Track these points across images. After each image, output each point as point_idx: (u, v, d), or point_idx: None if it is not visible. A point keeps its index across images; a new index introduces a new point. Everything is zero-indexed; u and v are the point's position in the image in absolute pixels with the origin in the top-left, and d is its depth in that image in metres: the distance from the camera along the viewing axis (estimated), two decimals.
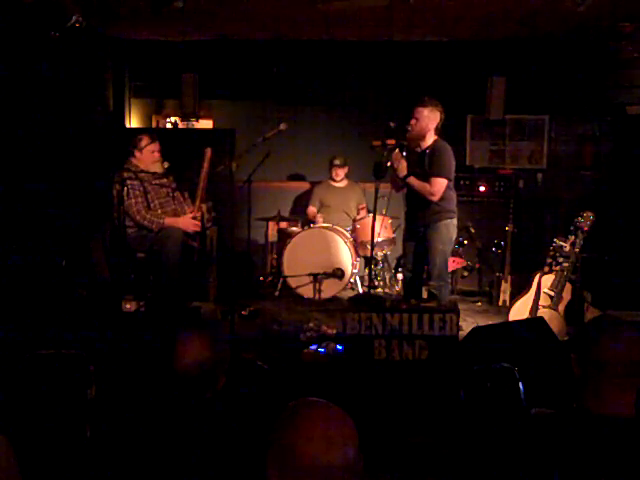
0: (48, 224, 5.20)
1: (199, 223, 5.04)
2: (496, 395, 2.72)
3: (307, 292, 5.97)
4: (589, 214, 4.80)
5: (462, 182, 6.42)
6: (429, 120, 4.55)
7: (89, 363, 2.90)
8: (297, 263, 5.99)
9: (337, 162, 6.52)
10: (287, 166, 7.18)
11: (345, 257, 5.98)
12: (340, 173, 6.56)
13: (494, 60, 6.66)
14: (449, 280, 5.08)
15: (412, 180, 4.56)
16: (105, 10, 5.51)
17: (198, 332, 2.14)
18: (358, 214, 6.61)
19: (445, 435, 3.11)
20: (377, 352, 3.86)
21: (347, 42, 6.77)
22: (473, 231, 6.29)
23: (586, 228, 4.78)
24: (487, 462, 2.55)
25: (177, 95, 6.80)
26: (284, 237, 6.34)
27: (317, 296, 5.91)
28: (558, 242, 4.88)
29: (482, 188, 6.53)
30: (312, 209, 6.62)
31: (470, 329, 3.97)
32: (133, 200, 4.85)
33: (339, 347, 4.25)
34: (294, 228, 6.37)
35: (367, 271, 5.90)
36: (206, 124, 7.26)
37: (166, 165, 5.05)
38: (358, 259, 6.22)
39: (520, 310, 4.88)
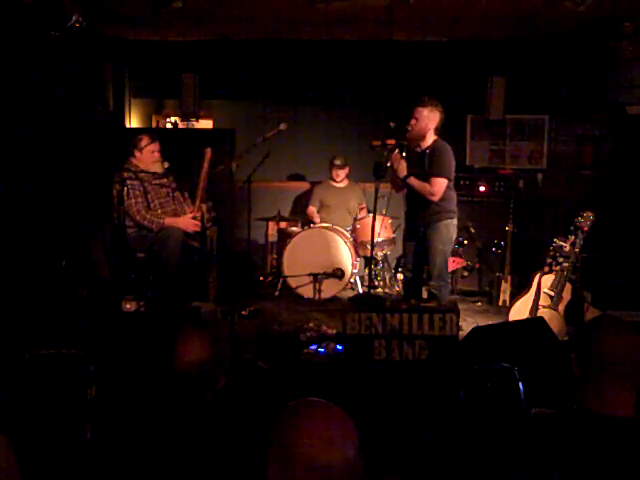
0: (48, 224, 5.20)
1: (199, 223, 5.04)
2: (496, 395, 2.72)
3: (307, 292, 5.97)
4: (589, 214, 4.80)
5: (462, 182, 6.42)
6: (429, 120, 4.55)
7: (89, 363, 2.90)
8: (297, 263, 5.99)
9: (337, 162, 6.52)
10: (287, 166, 7.18)
11: (345, 257, 5.98)
12: (340, 174, 6.56)
13: (494, 60, 6.66)
14: (449, 280, 5.08)
15: (412, 180, 4.56)
16: (105, 10, 5.51)
17: (198, 332, 2.14)
18: (358, 214, 6.61)
19: (445, 435, 3.11)
20: (377, 352, 3.86)
21: (347, 42, 6.77)
22: (473, 231, 6.29)
23: (586, 228, 4.78)
24: (487, 462, 2.55)
25: (177, 95, 6.80)
26: (284, 237, 6.35)
27: (317, 296, 5.91)
28: (558, 242, 4.88)
29: (482, 188, 6.53)
30: (312, 209, 6.62)
31: (470, 329, 3.97)
32: (133, 200, 4.85)
33: (339, 347, 4.26)
34: (294, 228, 6.37)
35: (367, 271, 5.90)
36: (206, 124, 7.26)
37: (166, 165, 5.05)
38: (358, 259, 6.22)
39: (520, 310, 4.88)
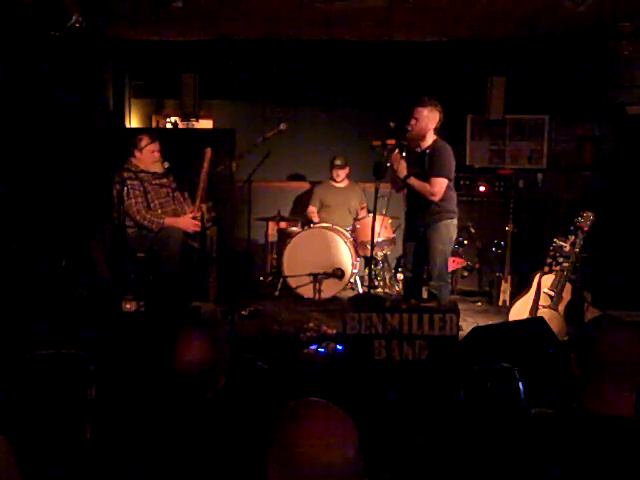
0: (48, 224, 5.20)
1: (199, 223, 5.04)
2: (496, 395, 2.72)
3: (307, 292, 5.97)
4: (589, 214, 4.80)
5: (462, 182, 6.42)
6: (429, 120, 4.55)
7: (89, 363, 2.91)
8: (297, 263, 5.99)
9: (338, 163, 6.53)
10: (287, 166, 7.18)
11: (345, 257, 5.98)
12: (341, 174, 6.56)
13: (494, 60, 6.66)
14: (449, 280, 5.08)
15: (412, 181, 4.56)
16: (105, 10, 5.51)
17: (198, 332, 2.14)
18: (358, 214, 6.62)
19: (445, 435, 3.11)
20: (377, 352, 3.86)
21: (347, 42, 6.77)
22: (473, 231, 6.29)
23: (586, 228, 4.78)
24: (487, 462, 2.55)
25: (177, 95, 6.80)
26: (284, 237, 6.35)
27: (317, 296, 5.91)
28: (558, 242, 4.87)
29: (482, 188, 6.53)
30: (312, 209, 6.62)
31: (470, 329, 3.97)
32: (133, 200, 4.85)
33: (339, 347, 4.26)
34: (294, 228, 6.38)
35: (367, 271, 5.90)
36: (206, 124, 7.26)
37: (166, 165, 5.05)
38: (358, 259, 6.22)
39: (520, 310, 4.88)
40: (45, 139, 5.36)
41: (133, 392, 3.14)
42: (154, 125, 7.38)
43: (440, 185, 4.49)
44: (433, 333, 3.85)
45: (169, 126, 7.26)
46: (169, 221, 4.92)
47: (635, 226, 6.03)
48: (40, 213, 5.15)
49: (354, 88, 7.02)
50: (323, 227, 6.19)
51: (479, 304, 6.15)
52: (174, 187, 5.13)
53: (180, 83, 6.70)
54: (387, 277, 6.29)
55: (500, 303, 5.99)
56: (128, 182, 4.76)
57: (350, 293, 6.14)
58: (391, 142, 4.52)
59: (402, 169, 4.57)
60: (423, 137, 4.59)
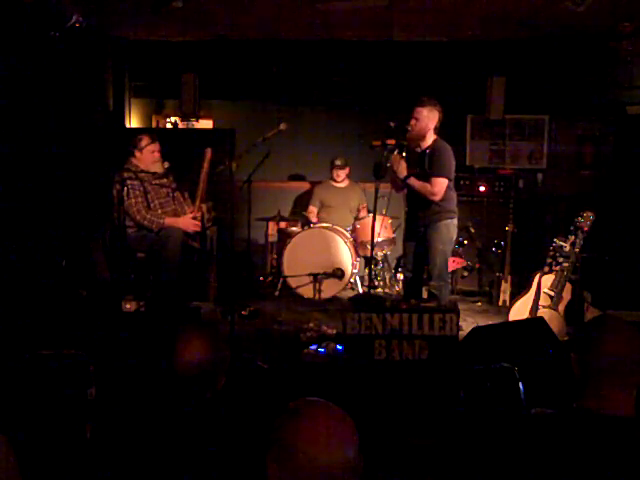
0: (48, 224, 5.20)
1: (199, 223, 5.04)
2: (496, 395, 2.72)
3: (307, 292, 5.97)
4: (589, 214, 4.80)
5: (462, 182, 6.42)
6: (429, 120, 4.55)
7: (89, 363, 2.91)
8: (297, 263, 5.99)
9: (338, 163, 6.53)
10: (287, 166, 7.17)
11: (345, 257, 5.98)
12: (341, 174, 6.56)
13: (494, 60, 6.66)
14: (449, 280, 5.08)
15: (412, 181, 4.56)
16: (105, 10, 5.51)
17: (198, 332, 2.14)
18: (359, 214, 6.62)
19: (445, 435, 3.11)
20: (377, 352, 3.86)
21: (347, 42, 6.77)
22: (473, 231, 6.29)
23: (586, 228, 4.77)
24: (487, 462, 2.55)
25: (177, 95, 6.80)
26: (284, 237, 6.35)
27: (317, 296, 5.91)
28: (558, 242, 4.87)
29: (482, 188, 6.53)
30: (312, 208, 6.63)
31: (470, 329, 3.97)
32: (133, 200, 4.85)
33: (339, 347, 4.25)
34: (294, 228, 6.37)
35: (367, 271, 5.90)
36: (206, 124, 7.25)
37: (166, 165, 5.05)
38: (358, 259, 6.22)
39: (520, 310, 4.87)
40: (45, 139, 5.36)
41: (133, 392, 3.14)
42: (154, 125, 7.38)
43: (440, 185, 4.49)
44: (433, 333, 3.86)
45: (169, 126, 7.25)
46: (169, 221, 4.92)
47: (635, 226, 6.03)
48: (40, 213, 5.15)
49: (354, 88, 7.02)
50: (323, 227, 6.19)
51: (479, 304, 6.14)
52: (174, 187, 5.13)
53: (180, 83, 6.70)
54: (387, 277, 6.29)
55: (500, 303, 5.99)
56: (128, 182, 4.76)
57: (350, 293, 6.14)
58: (391, 142, 4.52)
59: (402, 170, 4.57)
60: (423, 137, 4.59)
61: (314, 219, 6.50)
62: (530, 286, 4.90)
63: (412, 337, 3.85)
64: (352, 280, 6.14)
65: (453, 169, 4.61)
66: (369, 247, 4.79)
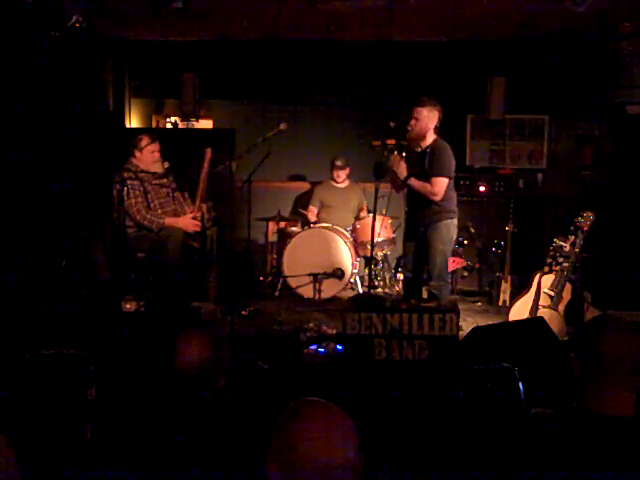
0: (48, 224, 5.20)
1: (199, 223, 5.04)
2: (496, 395, 2.72)
3: (307, 292, 5.97)
4: (589, 214, 4.80)
5: (462, 182, 6.43)
6: (429, 120, 4.55)
7: (89, 363, 2.91)
8: (297, 263, 5.99)
9: (338, 163, 6.53)
10: (287, 166, 7.17)
11: (345, 257, 5.98)
12: (341, 174, 6.56)
13: (494, 60, 6.66)
14: (449, 280, 5.08)
15: (413, 182, 4.56)
16: (105, 10, 5.51)
17: (198, 332, 2.14)
18: (359, 214, 6.62)
19: (445, 435, 3.11)
20: (377, 352, 3.86)
21: (347, 42, 6.77)
22: (473, 231, 6.29)
23: (586, 228, 4.78)
24: (487, 462, 2.55)
25: (177, 95, 6.80)
26: (284, 237, 6.35)
27: (317, 296, 5.91)
28: (558, 242, 4.88)
29: (482, 188, 6.53)
30: (312, 208, 6.63)
31: (470, 329, 3.97)
32: (133, 200, 4.85)
33: (339, 347, 4.26)
34: (294, 228, 6.38)
35: (367, 271, 5.90)
36: (206, 124, 7.26)
37: (166, 165, 5.05)
38: (358, 259, 6.22)
39: (520, 310, 4.88)
40: (45, 139, 5.36)
41: (133, 392, 3.14)
42: (154, 125, 7.38)
43: (441, 185, 4.49)
44: (433, 333, 3.86)
45: (169, 126, 7.26)
46: (169, 221, 4.92)
47: (635, 226, 6.03)
48: (40, 213, 5.15)
49: (354, 88, 7.02)
50: (323, 227, 6.19)
51: (479, 304, 6.14)
52: (174, 187, 5.13)
53: (180, 83, 6.70)
54: (387, 277, 6.29)
55: (500, 303, 5.99)
56: (128, 182, 4.76)
57: (350, 293, 6.14)
58: (391, 142, 4.52)
59: (402, 170, 4.57)
60: (423, 137, 4.59)
61: (313, 218, 6.51)
62: (530, 286, 4.91)
63: (412, 337, 3.85)
64: (352, 280, 6.14)
65: (453, 168, 4.61)
66: (369, 247, 4.79)
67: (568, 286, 4.84)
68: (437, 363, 3.80)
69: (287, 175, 7.31)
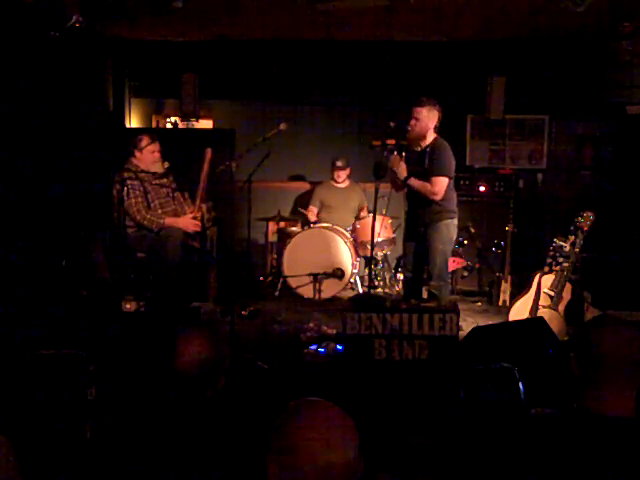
0: (48, 224, 5.20)
1: (199, 223, 5.04)
2: (496, 395, 2.72)
3: (307, 292, 5.97)
4: (589, 214, 4.80)
5: (462, 182, 6.42)
6: (429, 120, 4.55)
7: (89, 363, 2.90)
8: (297, 263, 5.99)
9: (339, 164, 6.53)
10: (287, 166, 7.17)
11: (345, 257, 5.98)
12: (342, 175, 6.57)
13: (494, 60, 6.66)
14: (449, 280, 5.08)
15: (413, 182, 4.56)
16: (105, 10, 5.51)
17: (198, 332, 2.14)
18: (359, 214, 6.62)
19: (445, 435, 3.11)
20: (377, 352, 3.86)
21: (347, 42, 6.77)
22: (473, 231, 6.29)
23: (586, 228, 4.77)
24: (487, 462, 2.55)
25: (177, 95, 6.80)
26: (284, 237, 6.35)
27: (317, 296, 5.92)
28: (558, 242, 4.87)
29: (482, 188, 6.53)
30: (312, 208, 6.63)
31: (470, 329, 3.97)
32: (133, 200, 4.85)
33: (339, 347, 4.26)
34: (294, 228, 6.38)
35: (367, 271, 5.90)
36: (206, 124, 7.26)
37: (166, 165, 5.05)
38: (358, 259, 6.22)
39: (520, 310, 4.87)
40: (45, 139, 5.36)
41: (133, 392, 3.14)
42: (154, 125, 7.38)
43: (441, 184, 4.49)
44: (433, 333, 3.85)
45: (169, 126, 7.26)
46: (169, 221, 4.92)
47: (635, 226, 6.03)
48: (40, 213, 5.15)
49: (354, 88, 7.02)
50: (323, 227, 6.19)
51: (479, 304, 6.14)
52: (174, 187, 5.13)
53: (180, 83, 6.70)
54: (387, 277, 6.29)
55: (500, 303, 5.99)
56: (128, 182, 4.76)
57: (350, 293, 6.14)
58: (391, 142, 4.52)
59: (402, 171, 4.57)
60: (423, 137, 4.59)
61: (313, 218, 6.51)
62: (530, 286, 4.90)
63: (412, 337, 3.85)
64: (352, 280, 6.14)
65: (453, 168, 4.61)
66: (369, 247, 4.79)
67: (568, 286, 4.84)
68: (437, 363, 3.80)
69: (287, 175, 7.31)
